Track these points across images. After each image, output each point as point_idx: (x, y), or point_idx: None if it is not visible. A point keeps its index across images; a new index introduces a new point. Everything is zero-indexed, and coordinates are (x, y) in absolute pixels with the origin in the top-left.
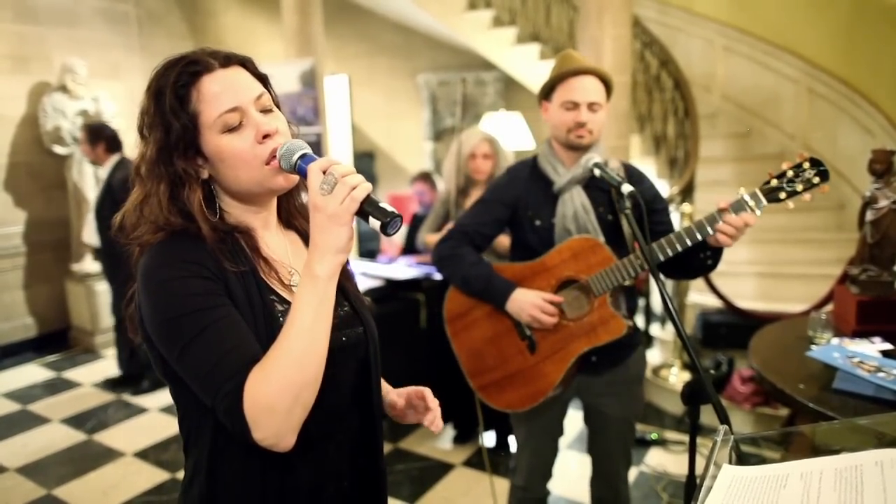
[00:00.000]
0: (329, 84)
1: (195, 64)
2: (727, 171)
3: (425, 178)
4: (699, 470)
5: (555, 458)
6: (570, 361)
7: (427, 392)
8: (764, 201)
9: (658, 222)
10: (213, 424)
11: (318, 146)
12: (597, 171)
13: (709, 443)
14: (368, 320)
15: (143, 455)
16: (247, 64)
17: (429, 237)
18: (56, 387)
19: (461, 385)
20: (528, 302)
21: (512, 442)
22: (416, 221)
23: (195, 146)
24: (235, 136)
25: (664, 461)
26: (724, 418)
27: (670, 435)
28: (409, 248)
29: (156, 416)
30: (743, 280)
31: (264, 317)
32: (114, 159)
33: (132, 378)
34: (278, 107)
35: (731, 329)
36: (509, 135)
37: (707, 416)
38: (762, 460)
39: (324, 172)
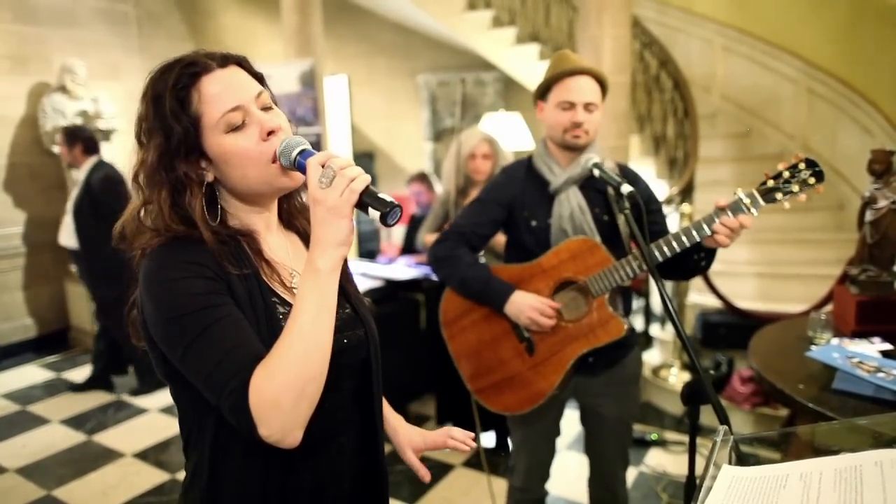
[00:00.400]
0: (328, 84)
1: (193, 65)
2: (727, 171)
3: (422, 178)
4: (699, 470)
5: (552, 458)
6: (569, 363)
7: (454, 430)
8: (761, 202)
9: (653, 223)
10: (213, 424)
11: (317, 146)
12: (596, 172)
13: (708, 443)
14: (369, 322)
15: (143, 456)
16: (243, 63)
17: (428, 237)
18: (56, 387)
19: (461, 385)
20: (526, 304)
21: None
22: (414, 222)
23: (198, 149)
24: (240, 135)
25: (664, 461)
26: (723, 419)
27: (670, 435)
28: (409, 249)
29: (155, 417)
30: (742, 280)
31: (266, 319)
32: (91, 161)
33: (102, 378)
34: (275, 104)
35: (730, 329)
36: (509, 135)
37: (707, 416)
38: (762, 461)
39: (322, 166)
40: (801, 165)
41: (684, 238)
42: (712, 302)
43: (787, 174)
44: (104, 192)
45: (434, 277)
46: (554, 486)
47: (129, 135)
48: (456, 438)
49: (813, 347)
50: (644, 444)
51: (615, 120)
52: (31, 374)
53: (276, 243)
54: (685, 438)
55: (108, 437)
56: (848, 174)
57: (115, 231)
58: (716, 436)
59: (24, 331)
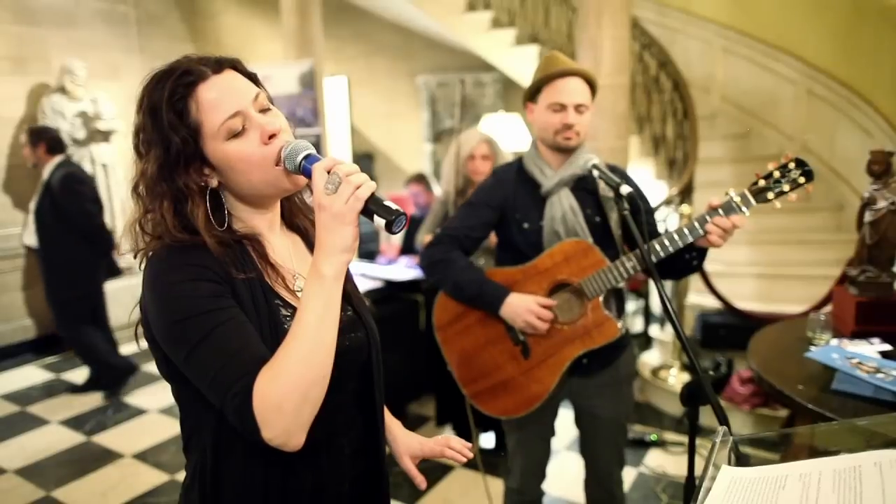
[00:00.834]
0: (328, 85)
1: (188, 74)
2: (726, 172)
3: (420, 179)
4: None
5: (548, 459)
6: (565, 365)
7: (451, 439)
8: (752, 201)
9: (642, 223)
10: (215, 425)
11: (317, 147)
12: (596, 173)
13: (708, 444)
14: (371, 324)
15: (142, 457)
16: (237, 65)
17: (427, 238)
18: (55, 388)
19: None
20: (522, 307)
21: None
22: (413, 223)
23: (199, 157)
24: (241, 141)
25: (663, 462)
26: (723, 419)
27: (669, 436)
28: (408, 250)
29: (155, 418)
30: (742, 281)
31: (270, 322)
32: (55, 161)
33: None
34: (272, 103)
35: (730, 330)
36: (508, 136)
37: (706, 417)
38: (761, 461)
39: (328, 172)
40: (791, 165)
41: (678, 238)
42: (711, 303)
43: (777, 174)
44: (63, 191)
45: None
46: (553, 486)
47: (129, 136)
48: (453, 448)
49: (812, 348)
50: (644, 445)
51: (614, 121)
52: (31, 374)
53: (279, 245)
54: (685, 439)
55: (108, 438)
56: (847, 175)
57: (116, 242)
58: (715, 436)
59: (23, 332)
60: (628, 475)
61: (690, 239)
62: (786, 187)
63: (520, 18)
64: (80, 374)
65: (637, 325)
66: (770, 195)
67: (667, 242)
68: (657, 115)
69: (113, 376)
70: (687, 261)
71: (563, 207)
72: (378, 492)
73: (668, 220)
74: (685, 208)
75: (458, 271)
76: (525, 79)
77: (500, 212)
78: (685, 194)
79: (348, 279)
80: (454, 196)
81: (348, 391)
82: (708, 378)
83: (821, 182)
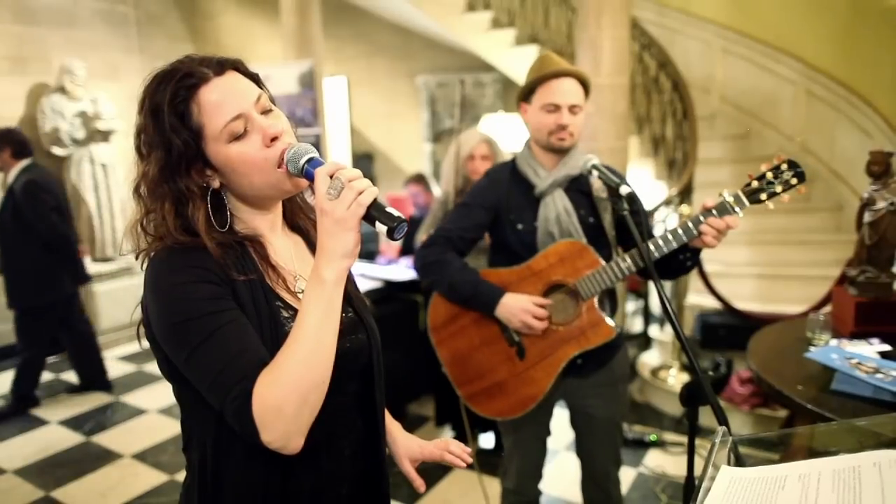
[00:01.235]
0: (328, 85)
1: (190, 77)
2: (726, 172)
3: (419, 179)
4: (698, 471)
5: (544, 459)
6: (560, 366)
7: (451, 443)
8: (745, 202)
9: (639, 223)
10: (215, 425)
11: (317, 148)
12: (595, 174)
13: (707, 444)
14: (372, 326)
15: (142, 457)
16: (239, 66)
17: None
18: (54, 388)
19: None
20: (518, 307)
21: None
22: (413, 223)
23: (200, 159)
24: (243, 144)
25: (663, 462)
26: (722, 420)
27: (669, 436)
28: (408, 250)
29: (154, 418)
30: (741, 281)
31: (270, 323)
32: (21, 165)
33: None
34: (274, 104)
35: (729, 330)
36: (508, 136)
37: (706, 417)
38: (761, 461)
39: (330, 177)
40: (784, 167)
41: (672, 239)
42: (711, 303)
43: (770, 175)
44: (25, 198)
45: None
46: (551, 487)
47: (129, 136)
48: (453, 452)
49: (812, 348)
50: (643, 445)
51: (614, 121)
52: None
53: (281, 246)
54: (684, 439)
55: (107, 438)
56: (846, 176)
57: (119, 243)
58: (715, 437)
59: None
60: (628, 475)
61: (685, 239)
62: (778, 188)
63: (519, 19)
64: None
65: (636, 325)
66: (763, 196)
67: (661, 243)
68: (657, 115)
69: (17, 401)
70: (681, 261)
71: (557, 208)
72: (378, 493)
73: (667, 221)
74: (684, 209)
75: (453, 272)
76: (524, 79)
77: (494, 213)
78: (685, 195)
79: (349, 280)
80: (454, 196)
81: (349, 393)
82: (707, 378)
83: (820, 182)
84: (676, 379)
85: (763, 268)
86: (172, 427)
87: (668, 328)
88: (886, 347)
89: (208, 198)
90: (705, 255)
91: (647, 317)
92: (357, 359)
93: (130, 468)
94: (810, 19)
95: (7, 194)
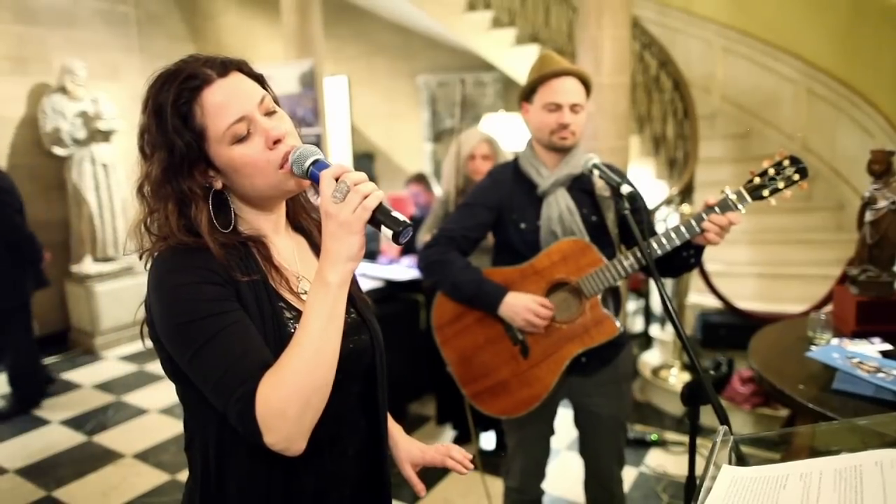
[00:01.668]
0: (328, 85)
1: (193, 78)
2: (726, 171)
3: (420, 179)
4: (699, 471)
5: (547, 458)
6: (564, 364)
7: (453, 448)
8: (748, 199)
9: (640, 222)
10: (218, 426)
11: (317, 147)
12: (596, 173)
13: (709, 443)
14: (375, 327)
15: (143, 457)
16: (243, 67)
17: (427, 238)
18: (55, 388)
19: None
20: (521, 305)
21: None
22: (413, 223)
23: (203, 161)
24: (246, 146)
25: (664, 462)
26: (723, 419)
27: (670, 436)
28: (409, 249)
29: (155, 418)
30: (742, 281)
31: (273, 324)
32: None
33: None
34: (278, 104)
35: (730, 330)
36: (508, 136)
37: (707, 416)
38: (762, 461)
39: (336, 180)
40: (786, 163)
41: (675, 236)
42: (712, 302)
43: (772, 171)
44: None
45: None
46: (553, 486)
47: (129, 136)
48: (455, 458)
49: (813, 348)
50: (644, 445)
51: (615, 120)
52: None
53: (284, 247)
54: (685, 439)
55: (108, 438)
56: (847, 175)
57: (124, 243)
58: (716, 436)
59: None
60: (629, 475)
61: (688, 237)
62: (781, 184)
63: (520, 18)
64: (79, 375)
65: (637, 324)
66: (765, 192)
67: (664, 240)
68: (658, 114)
69: (19, 402)
70: (684, 258)
71: (559, 207)
72: (380, 494)
73: (668, 220)
74: (685, 208)
75: (456, 271)
76: (525, 79)
77: (497, 212)
78: (686, 194)
79: (353, 281)
80: (454, 196)
81: (352, 394)
82: (708, 378)
83: (821, 181)
84: (677, 378)
85: (764, 267)
86: (174, 427)
87: (669, 327)
88: (888, 346)
89: (210, 199)
90: (706, 254)
91: (648, 316)
92: (360, 360)
93: (132, 468)
94: (811, 18)
95: None
